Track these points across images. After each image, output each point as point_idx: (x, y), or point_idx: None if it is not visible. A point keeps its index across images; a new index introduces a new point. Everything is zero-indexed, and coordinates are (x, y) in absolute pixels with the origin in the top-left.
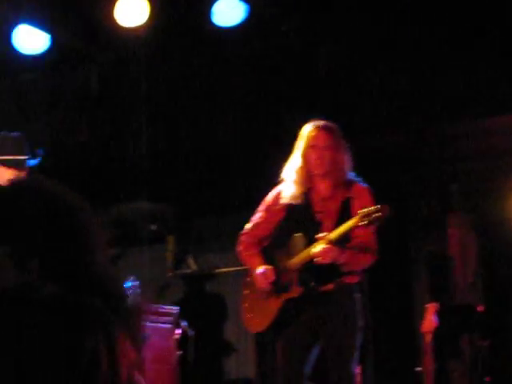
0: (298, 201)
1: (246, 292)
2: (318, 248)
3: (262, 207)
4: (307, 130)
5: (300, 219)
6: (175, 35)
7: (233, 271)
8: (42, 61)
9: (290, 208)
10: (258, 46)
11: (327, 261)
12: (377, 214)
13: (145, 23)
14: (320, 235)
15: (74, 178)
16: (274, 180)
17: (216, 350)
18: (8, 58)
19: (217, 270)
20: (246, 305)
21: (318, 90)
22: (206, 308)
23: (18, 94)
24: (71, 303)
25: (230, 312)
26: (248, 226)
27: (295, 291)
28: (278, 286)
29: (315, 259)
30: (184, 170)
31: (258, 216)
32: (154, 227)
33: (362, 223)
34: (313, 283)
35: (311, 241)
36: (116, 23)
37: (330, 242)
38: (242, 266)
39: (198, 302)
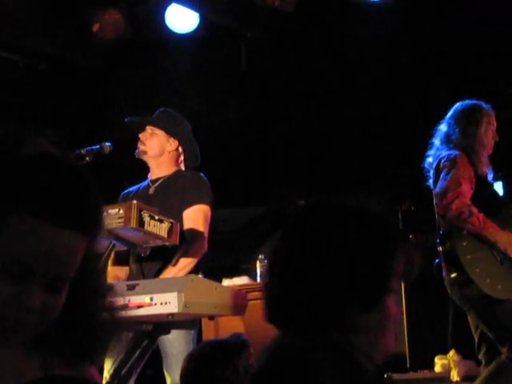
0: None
1: (469, 257)
2: None
3: (461, 170)
4: (487, 111)
5: (493, 194)
6: (324, 9)
7: None
8: (192, 39)
9: (480, 180)
10: (407, 18)
11: None
12: None
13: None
14: None
15: (226, 154)
16: None
17: None
18: (161, 37)
19: None
20: (477, 270)
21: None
22: None
23: (169, 72)
24: None
25: None
26: (457, 186)
27: None
28: None
29: None
30: (327, 146)
31: (460, 177)
32: (302, 203)
33: None
34: None
35: None
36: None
37: None
38: None
39: None
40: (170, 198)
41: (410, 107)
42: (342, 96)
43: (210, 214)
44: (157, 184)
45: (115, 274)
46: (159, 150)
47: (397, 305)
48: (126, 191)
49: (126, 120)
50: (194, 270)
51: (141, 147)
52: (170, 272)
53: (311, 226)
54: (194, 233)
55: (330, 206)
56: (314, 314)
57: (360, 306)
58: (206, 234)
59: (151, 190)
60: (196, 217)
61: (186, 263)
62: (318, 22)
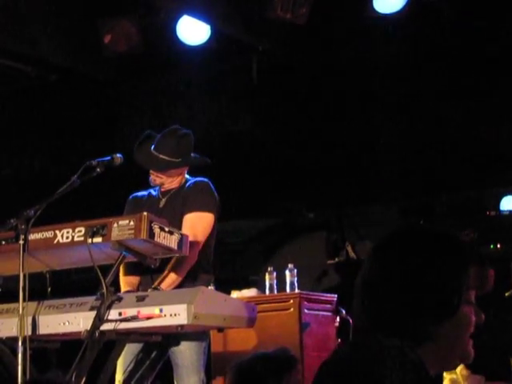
0: None
1: None
2: None
3: None
4: None
5: None
6: (335, 22)
7: None
8: (204, 51)
9: None
10: (419, 32)
11: None
12: None
13: (305, 10)
14: None
15: (235, 166)
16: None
17: None
18: (172, 49)
19: None
20: None
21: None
22: None
23: (180, 83)
24: None
25: None
26: None
27: None
28: None
29: None
30: (337, 158)
31: None
32: (311, 215)
33: None
34: None
35: None
36: (274, 12)
37: None
38: None
39: None
40: (176, 209)
41: (420, 121)
42: (354, 108)
43: (211, 221)
44: (167, 197)
45: (130, 281)
46: (175, 177)
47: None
48: (133, 195)
49: (136, 159)
50: (205, 282)
51: (157, 180)
52: (166, 280)
53: (396, 247)
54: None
55: (412, 229)
56: (392, 323)
57: (436, 317)
58: (202, 242)
59: (161, 203)
60: (193, 224)
61: (177, 273)
62: (331, 34)
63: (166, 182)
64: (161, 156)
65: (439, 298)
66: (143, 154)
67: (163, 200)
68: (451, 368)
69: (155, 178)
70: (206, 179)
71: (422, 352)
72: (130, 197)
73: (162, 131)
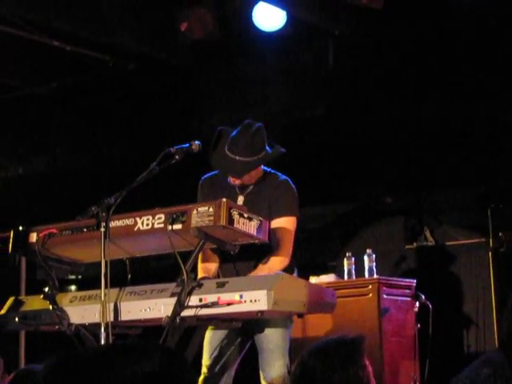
0: None
1: None
2: None
3: None
4: None
5: None
6: (409, 7)
7: (468, 244)
8: (280, 37)
9: None
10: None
11: None
12: None
13: None
14: None
15: (312, 152)
16: None
17: (455, 324)
18: (248, 36)
19: (453, 243)
20: None
21: None
22: (442, 281)
23: (256, 70)
24: None
25: (466, 285)
26: None
27: None
28: None
29: None
30: (416, 143)
31: None
32: (389, 200)
33: None
34: None
35: None
36: None
37: None
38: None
39: (435, 274)
40: (258, 205)
41: (502, 104)
42: (431, 93)
43: (296, 222)
44: (245, 193)
45: (206, 267)
46: (255, 177)
47: None
48: (206, 177)
49: (212, 164)
50: (288, 269)
51: (236, 182)
52: (261, 271)
53: None
54: (283, 244)
55: None
56: None
57: None
58: (292, 244)
59: (239, 200)
60: (286, 229)
61: (275, 265)
62: (407, 18)
63: (245, 180)
64: (237, 158)
65: None
66: (219, 157)
67: (241, 196)
68: None
69: (234, 179)
70: (286, 178)
71: None
72: (203, 178)
73: (235, 118)
